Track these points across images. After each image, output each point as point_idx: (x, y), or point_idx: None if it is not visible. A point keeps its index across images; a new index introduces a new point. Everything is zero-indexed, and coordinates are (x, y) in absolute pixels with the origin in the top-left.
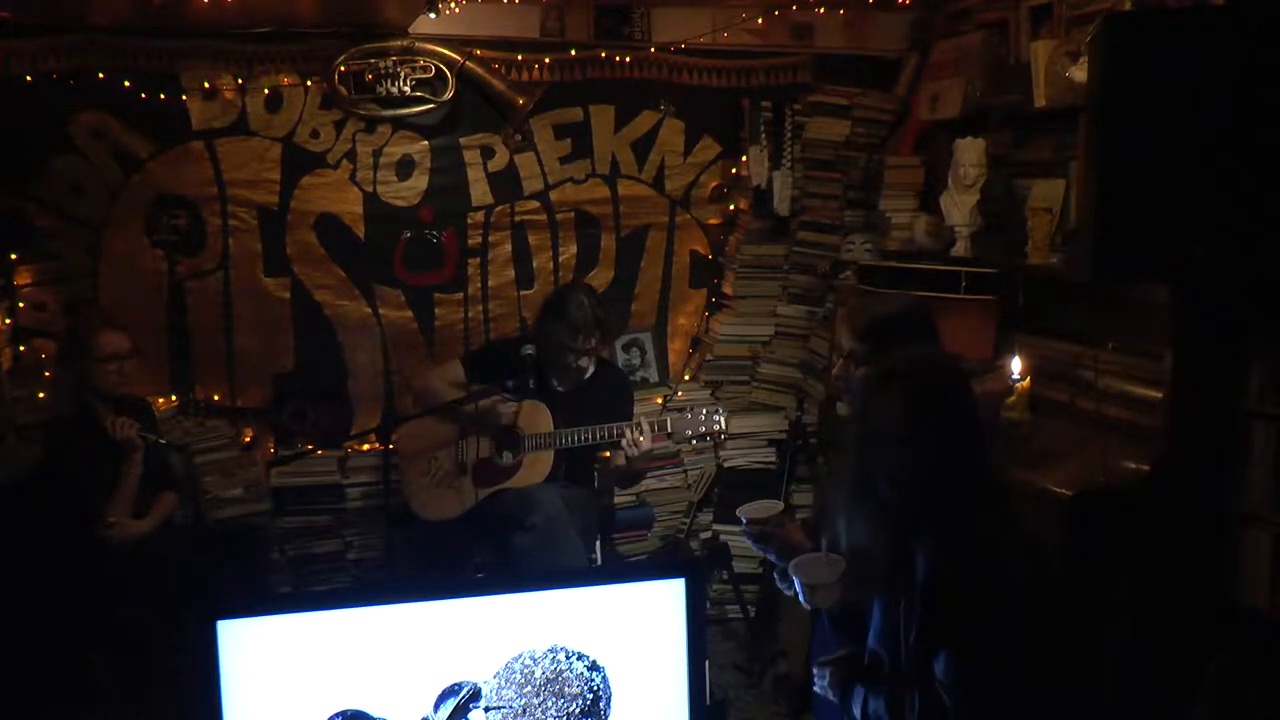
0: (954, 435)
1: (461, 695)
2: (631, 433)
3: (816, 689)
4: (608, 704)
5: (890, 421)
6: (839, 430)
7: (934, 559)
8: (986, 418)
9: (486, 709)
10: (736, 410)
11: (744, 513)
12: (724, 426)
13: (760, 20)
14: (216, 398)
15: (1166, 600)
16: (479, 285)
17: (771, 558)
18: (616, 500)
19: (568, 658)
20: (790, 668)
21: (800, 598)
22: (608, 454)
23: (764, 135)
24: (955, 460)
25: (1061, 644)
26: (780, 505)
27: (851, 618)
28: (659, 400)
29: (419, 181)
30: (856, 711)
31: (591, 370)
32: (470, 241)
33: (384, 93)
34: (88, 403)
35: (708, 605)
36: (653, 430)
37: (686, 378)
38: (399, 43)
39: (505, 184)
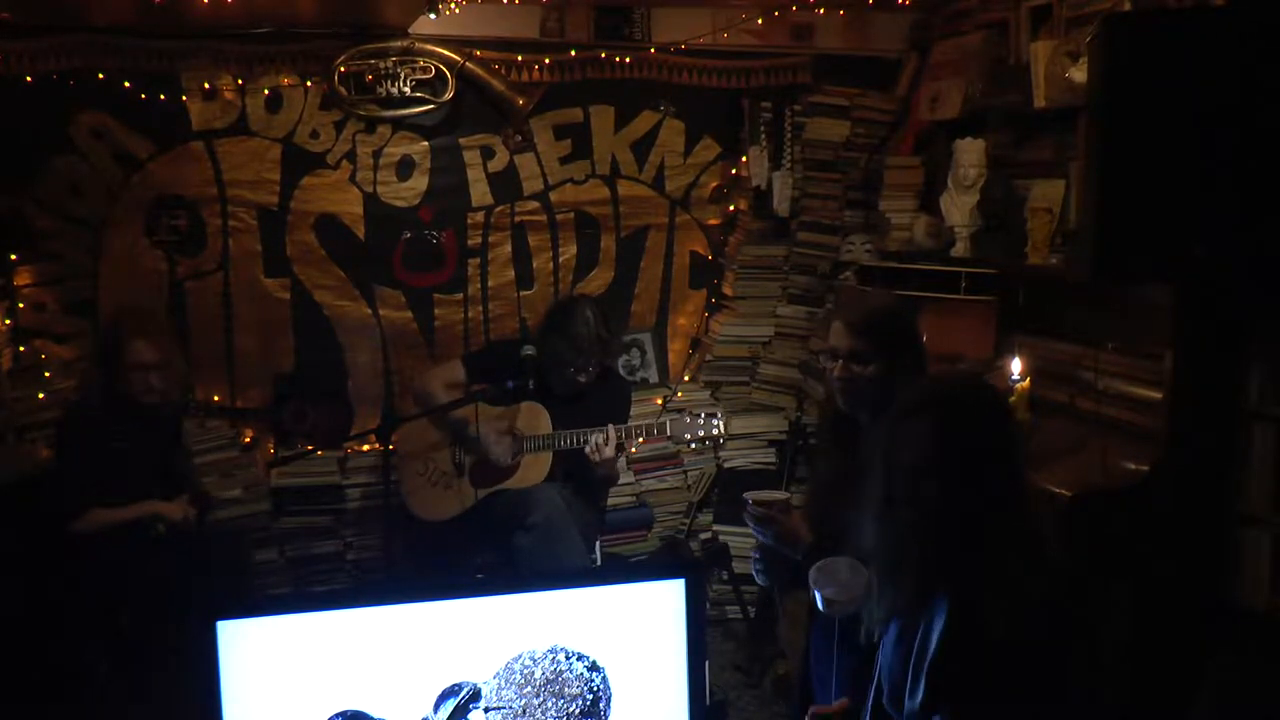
0: (992, 473)
1: (461, 695)
2: (595, 439)
3: None
4: (608, 704)
5: (924, 454)
6: (841, 429)
7: (954, 617)
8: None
9: (486, 709)
10: (736, 411)
11: (750, 495)
12: (722, 431)
13: (760, 21)
14: (216, 398)
15: (1166, 600)
16: (479, 286)
17: (768, 541)
18: (615, 502)
19: (567, 658)
20: (789, 668)
21: (818, 604)
22: None
23: (764, 136)
24: (991, 501)
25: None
26: (786, 495)
27: (859, 634)
28: (659, 401)
29: (419, 182)
30: None
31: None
32: (470, 242)
33: (384, 93)
34: (112, 404)
35: (708, 606)
36: (619, 438)
37: (686, 378)
38: (399, 43)
39: (505, 184)
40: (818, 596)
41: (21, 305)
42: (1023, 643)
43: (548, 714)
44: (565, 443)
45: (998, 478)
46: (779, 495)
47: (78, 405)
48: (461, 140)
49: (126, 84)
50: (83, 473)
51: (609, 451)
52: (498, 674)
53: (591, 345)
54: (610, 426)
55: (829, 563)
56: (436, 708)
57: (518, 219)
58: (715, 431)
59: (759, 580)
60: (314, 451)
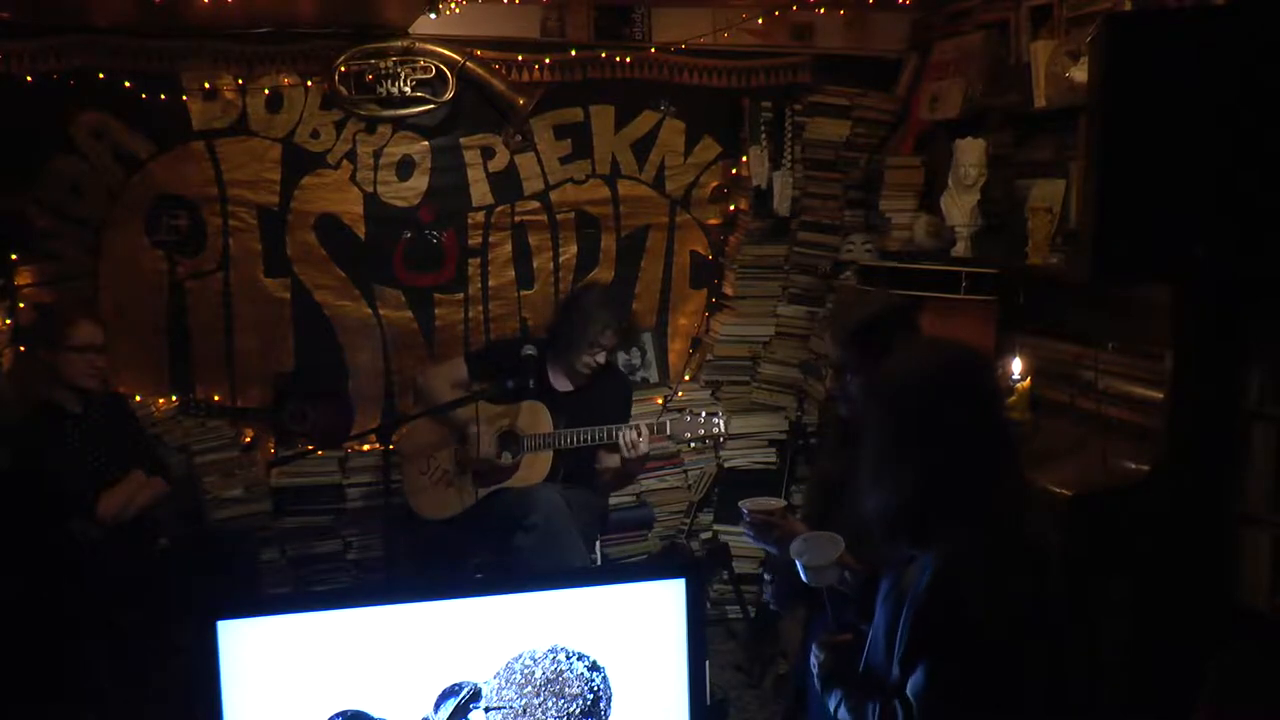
0: (982, 436)
1: (462, 695)
2: (630, 434)
3: (812, 666)
4: (608, 704)
5: (918, 418)
6: (844, 429)
7: (938, 572)
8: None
9: (487, 709)
10: (737, 410)
11: (746, 505)
12: (723, 430)
13: (760, 20)
14: (217, 398)
15: (1166, 600)
16: (479, 285)
17: (771, 550)
18: (613, 501)
19: (568, 658)
20: (790, 668)
21: (802, 577)
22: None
23: (764, 135)
24: (980, 463)
25: (1054, 675)
26: (783, 503)
27: (853, 603)
28: (659, 401)
29: (419, 182)
30: (830, 706)
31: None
32: (470, 242)
33: (384, 93)
34: (52, 396)
35: (708, 605)
36: (650, 432)
37: (686, 378)
38: (399, 43)
39: (505, 184)
40: (799, 567)
41: (21, 305)
42: (1005, 626)
43: (548, 714)
44: (566, 441)
45: (991, 439)
46: (775, 503)
47: (25, 423)
48: (462, 140)
49: (126, 84)
50: (74, 467)
51: (644, 446)
52: (498, 674)
53: (613, 323)
54: (639, 421)
55: (812, 536)
56: (437, 708)
57: (518, 219)
58: (716, 430)
59: (773, 605)
60: (314, 451)
